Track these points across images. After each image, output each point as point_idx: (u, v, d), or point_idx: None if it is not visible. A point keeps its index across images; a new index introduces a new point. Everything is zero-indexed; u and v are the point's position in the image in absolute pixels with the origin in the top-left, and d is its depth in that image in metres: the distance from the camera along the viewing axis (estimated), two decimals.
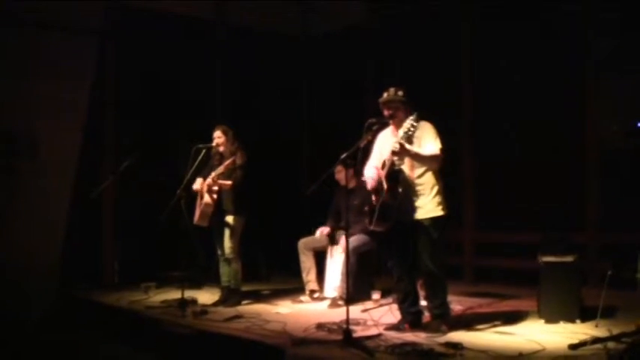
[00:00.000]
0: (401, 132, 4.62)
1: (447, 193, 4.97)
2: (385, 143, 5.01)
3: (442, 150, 4.79)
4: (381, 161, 4.94)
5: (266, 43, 9.00)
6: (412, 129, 4.58)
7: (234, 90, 8.74)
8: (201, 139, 6.28)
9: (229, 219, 6.22)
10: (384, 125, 5.01)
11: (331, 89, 9.13)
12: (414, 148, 4.69)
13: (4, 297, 6.54)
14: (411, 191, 4.82)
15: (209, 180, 6.10)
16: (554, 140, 7.10)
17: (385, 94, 4.94)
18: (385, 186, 4.69)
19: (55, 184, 7.17)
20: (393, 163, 4.70)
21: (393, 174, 4.72)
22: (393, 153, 4.61)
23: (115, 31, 7.76)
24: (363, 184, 5.16)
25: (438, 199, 4.88)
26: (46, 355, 5.68)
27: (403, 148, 4.59)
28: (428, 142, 4.79)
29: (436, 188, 4.88)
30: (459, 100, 7.84)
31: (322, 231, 6.75)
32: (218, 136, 6.27)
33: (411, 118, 4.60)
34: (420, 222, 4.83)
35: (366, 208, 4.96)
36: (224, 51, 8.79)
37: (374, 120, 4.87)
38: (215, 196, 6.14)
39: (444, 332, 4.80)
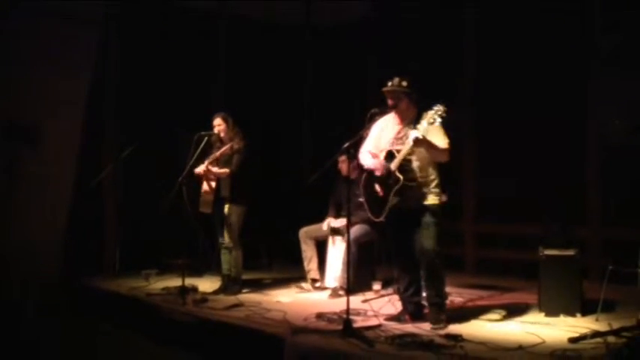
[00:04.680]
0: (424, 122, 4.57)
1: (446, 184, 5.00)
2: (384, 130, 5.00)
3: (449, 145, 4.80)
4: (378, 148, 4.94)
5: (269, 34, 8.97)
6: (438, 118, 4.54)
7: (236, 81, 8.71)
8: (203, 128, 6.27)
9: (228, 208, 6.21)
10: (385, 113, 4.99)
11: (334, 81, 9.09)
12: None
13: (6, 284, 6.55)
14: (417, 181, 4.80)
15: (203, 167, 6.09)
16: (557, 134, 7.08)
17: (389, 83, 4.92)
18: (399, 177, 4.66)
19: (56, 171, 7.16)
20: (405, 155, 4.68)
21: (405, 165, 4.72)
22: (415, 142, 4.57)
23: (116, 19, 7.73)
24: (363, 174, 5.12)
25: (437, 189, 4.90)
26: (47, 341, 5.70)
27: (425, 138, 4.58)
28: (437, 137, 4.78)
29: (437, 179, 4.91)
30: (462, 94, 7.81)
31: (329, 223, 6.68)
32: (218, 124, 6.27)
33: (437, 108, 4.55)
34: (421, 210, 4.82)
35: (361, 200, 4.96)
36: (227, 41, 8.76)
37: (376, 110, 4.88)
38: (213, 183, 6.13)
39: (444, 322, 4.80)
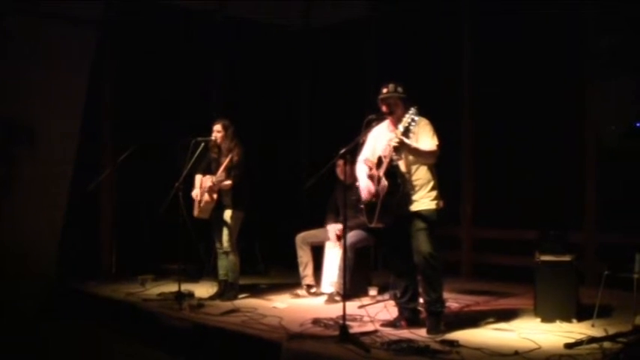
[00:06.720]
0: (401, 127, 4.57)
1: (443, 189, 4.97)
2: (379, 138, 4.97)
3: (439, 146, 4.79)
4: (375, 156, 4.92)
5: (267, 35, 8.98)
6: (413, 123, 4.54)
7: (233, 82, 8.71)
8: (200, 132, 6.27)
9: (228, 213, 6.22)
10: (382, 120, 4.99)
11: (331, 82, 9.10)
12: (413, 143, 4.66)
13: (1, 287, 6.54)
14: (407, 186, 4.79)
15: (209, 184, 6.09)
16: (554, 139, 7.09)
17: (384, 90, 4.89)
18: (386, 182, 4.66)
19: (53, 173, 7.16)
20: (391, 159, 4.66)
21: (392, 169, 4.69)
22: (395, 149, 4.57)
23: (114, 20, 7.73)
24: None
25: (433, 193, 4.87)
26: (43, 345, 5.68)
27: (403, 142, 4.56)
28: (425, 138, 4.77)
29: (432, 183, 4.88)
30: (459, 97, 7.82)
31: (336, 233, 6.56)
32: (217, 130, 6.26)
33: (411, 112, 4.55)
34: (416, 214, 4.80)
35: (362, 206, 4.94)
36: (224, 42, 8.76)
37: (374, 116, 4.86)
38: (215, 195, 6.14)
39: (444, 332, 4.75)
